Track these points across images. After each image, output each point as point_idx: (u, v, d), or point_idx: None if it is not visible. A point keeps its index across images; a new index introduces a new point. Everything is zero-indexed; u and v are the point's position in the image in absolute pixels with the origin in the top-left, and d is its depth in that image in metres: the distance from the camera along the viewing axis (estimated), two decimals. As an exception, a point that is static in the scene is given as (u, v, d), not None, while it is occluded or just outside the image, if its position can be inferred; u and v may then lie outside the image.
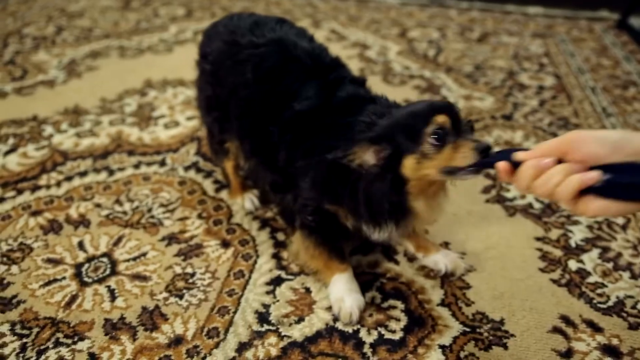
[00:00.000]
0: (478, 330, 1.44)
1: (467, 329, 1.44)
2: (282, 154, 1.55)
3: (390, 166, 1.30)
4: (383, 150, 1.30)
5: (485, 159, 1.19)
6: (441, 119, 1.25)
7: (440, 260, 1.62)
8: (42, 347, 1.39)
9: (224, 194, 1.97)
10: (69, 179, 2.05)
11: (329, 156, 1.33)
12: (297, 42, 1.64)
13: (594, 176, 0.91)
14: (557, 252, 1.70)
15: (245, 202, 1.91)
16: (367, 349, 1.39)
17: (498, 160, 1.10)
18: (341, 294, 1.50)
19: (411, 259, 1.67)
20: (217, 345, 1.39)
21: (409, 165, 1.29)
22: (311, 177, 1.49)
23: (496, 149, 1.21)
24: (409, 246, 1.70)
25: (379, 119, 1.36)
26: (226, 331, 1.43)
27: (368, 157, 1.31)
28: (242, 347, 1.39)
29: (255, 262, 1.66)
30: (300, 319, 1.47)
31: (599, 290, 1.56)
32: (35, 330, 1.44)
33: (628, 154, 0.90)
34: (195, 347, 1.39)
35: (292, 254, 1.65)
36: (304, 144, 1.49)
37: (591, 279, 1.60)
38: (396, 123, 1.32)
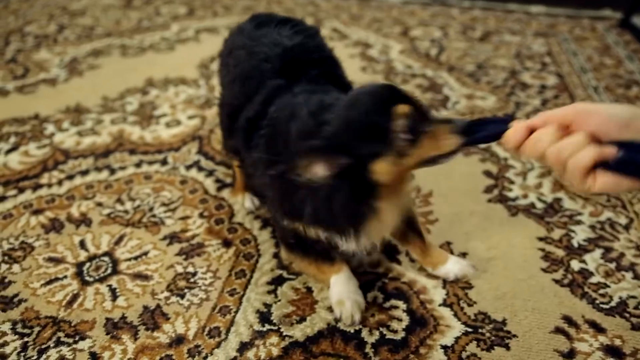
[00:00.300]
0: (480, 330, 1.43)
1: (469, 329, 1.44)
2: (245, 163, 1.50)
3: (348, 175, 1.14)
4: (336, 160, 1.12)
5: (472, 136, 1.10)
6: (403, 108, 1.11)
7: (451, 271, 1.57)
8: (43, 347, 1.39)
9: (225, 193, 1.96)
10: (70, 177, 2.05)
11: (271, 172, 1.23)
12: (280, 43, 1.54)
13: (613, 151, 0.88)
14: (560, 252, 1.69)
15: (245, 201, 1.91)
16: (368, 349, 1.38)
17: (490, 132, 1.07)
18: (341, 296, 1.47)
19: (413, 259, 1.66)
20: (218, 345, 1.39)
21: (381, 169, 1.14)
22: (268, 193, 1.41)
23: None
24: (415, 258, 1.63)
25: (319, 123, 1.18)
26: (227, 331, 1.43)
27: (317, 169, 1.12)
28: (243, 347, 1.39)
29: (257, 261, 1.66)
30: (302, 319, 1.47)
31: (601, 291, 1.55)
32: (37, 329, 1.44)
33: (638, 130, 0.88)
34: (197, 346, 1.39)
35: (286, 262, 1.64)
36: (250, 156, 1.42)
37: (594, 279, 1.59)
38: (347, 126, 1.14)
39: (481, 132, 1.10)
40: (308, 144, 1.15)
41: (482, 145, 2.22)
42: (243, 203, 1.91)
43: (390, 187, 1.20)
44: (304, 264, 1.55)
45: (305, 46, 1.58)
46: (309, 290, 1.56)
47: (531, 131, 0.98)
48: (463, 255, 1.68)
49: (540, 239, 1.75)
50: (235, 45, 1.67)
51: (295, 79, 1.44)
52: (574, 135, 0.92)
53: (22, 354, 1.37)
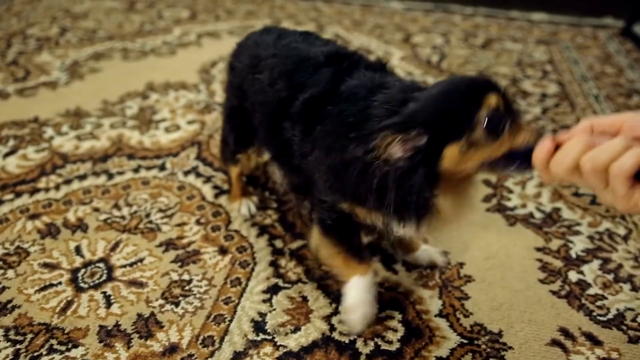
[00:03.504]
0: (476, 342, 1.42)
1: (465, 341, 1.43)
2: (294, 148, 1.45)
3: (423, 158, 1.11)
4: (415, 138, 1.10)
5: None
6: (494, 99, 1.09)
7: (420, 257, 1.67)
8: (35, 354, 1.38)
9: (223, 200, 1.96)
10: (68, 182, 2.05)
11: (346, 155, 1.18)
12: (312, 47, 1.56)
13: None
14: (557, 263, 1.68)
15: (242, 207, 1.91)
16: (363, 360, 1.37)
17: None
18: (355, 302, 1.42)
19: (410, 268, 1.66)
20: (212, 354, 1.38)
21: (451, 155, 1.11)
22: (324, 173, 1.35)
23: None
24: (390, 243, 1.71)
25: (402, 104, 1.17)
26: (221, 340, 1.42)
27: (394, 149, 1.11)
28: (237, 357, 1.38)
29: (253, 269, 1.65)
30: (297, 329, 1.46)
31: (599, 303, 1.54)
32: (29, 336, 1.43)
33: None
34: (190, 355, 1.38)
35: (313, 248, 1.56)
36: (312, 134, 1.36)
37: (591, 291, 1.58)
38: (433, 106, 1.13)
39: None
40: (390, 121, 1.13)
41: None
42: (239, 209, 1.90)
43: (455, 180, 1.19)
44: (333, 252, 1.47)
45: (339, 48, 1.58)
46: (305, 299, 1.55)
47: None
48: (460, 265, 1.67)
49: (538, 250, 1.74)
50: (262, 57, 1.62)
51: (350, 66, 1.42)
52: (612, 140, 0.78)
53: (14, 361, 1.37)
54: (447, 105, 1.13)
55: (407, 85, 1.29)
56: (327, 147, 1.29)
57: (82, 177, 2.07)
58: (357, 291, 1.43)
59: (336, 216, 1.40)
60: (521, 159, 1.08)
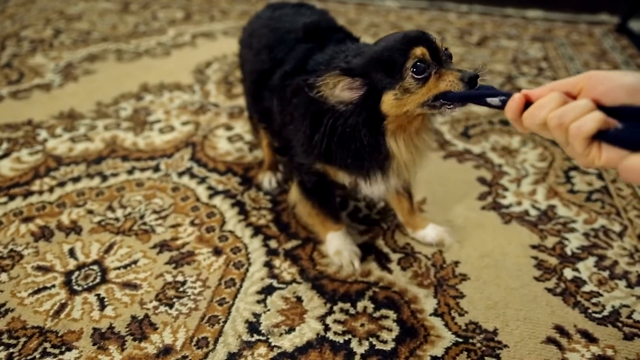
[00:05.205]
0: (471, 340, 1.42)
1: (460, 340, 1.42)
2: (275, 118, 1.62)
3: (365, 103, 1.29)
4: (358, 85, 1.28)
5: (475, 89, 1.16)
6: (420, 51, 1.23)
7: (428, 234, 1.75)
8: (29, 358, 1.37)
9: (217, 201, 1.95)
10: (61, 184, 2.04)
11: (298, 81, 1.34)
12: (298, 18, 1.70)
13: (614, 122, 0.80)
14: (553, 261, 1.68)
15: (264, 180, 2.02)
16: (357, 360, 1.37)
17: (488, 95, 1.05)
18: (338, 248, 1.66)
19: (404, 267, 1.66)
20: (206, 356, 1.37)
21: (388, 101, 1.27)
22: (300, 138, 1.49)
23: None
24: (400, 219, 1.81)
25: (352, 57, 1.34)
26: (215, 341, 1.41)
27: (342, 93, 1.28)
28: (231, 358, 1.37)
29: (247, 270, 1.65)
30: (291, 329, 1.45)
31: (594, 300, 1.54)
32: (23, 339, 1.42)
33: None
34: (184, 357, 1.37)
35: (291, 204, 1.77)
36: (289, 106, 1.51)
37: (586, 288, 1.58)
38: (371, 58, 1.29)
39: (485, 91, 1.10)
40: (336, 65, 1.32)
41: (477, 151, 2.21)
42: (262, 181, 2.01)
43: (398, 124, 1.33)
44: (311, 212, 1.68)
45: (321, 20, 1.76)
46: (299, 299, 1.55)
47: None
48: (455, 263, 1.67)
49: (534, 247, 1.73)
50: (256, 27, 1.80)
51: (323, 43, 1.57)
52: (577, 100, 0.85)
53: (8, 365, 1.36)
54: (383, 57, 1.27)
55: (360, 45, 1.48)
56: (300, 116, 1.46)
57: (76, 180, 2.07)
58: (337, 240, 1.68)
59: (315, 179, 1.59)
60: (454, 100, 1.21)
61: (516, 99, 0.93)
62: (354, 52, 1.38)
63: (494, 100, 1.03)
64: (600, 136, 0.81)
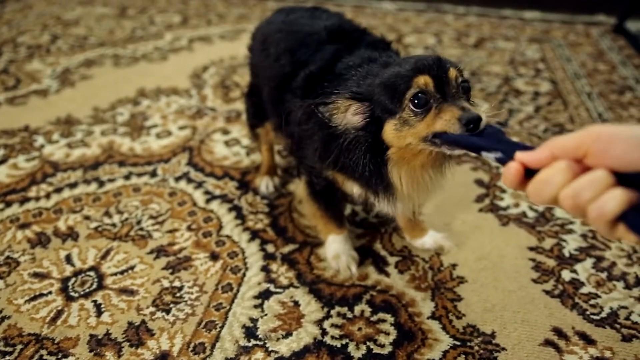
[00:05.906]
0: (468, 344, 1.42)
1: (458, 343, 1.42)
2: (292, 117, 1.52)
3: (370, 130, 1.22)
4: (365, 109, 1.21)
5: (473, 134, 1.02)
6: (423, 80, 1.13)
7: (427, 242, 1.74)
8: (25, 365, 1.37)
9: (214, 205, 1.95)
10: (58, 190, 2.03)
11: (307, 102, 1.26)
12: (316, 21, 1.66)
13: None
14: (551, 262, 1.67)
15: (261, 184, 2.02)
16: (355, 364, 1.37)
17: (485, 148, 0.92)
18: (337, 252, 1.66)
19: (402, 270, 1.65)
20: (202, 362, 1.37)
21: (389, 131, 1.19)
22: (315, 142, 1.43)
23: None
24: (400, 226, 1.80)
25: (367, 78, 1.27)
26: (212, 346, 1.41)
27: (351, 116, 1.23)
28: (228, 363, 1.37)
29: (244, 275, 1.64)
30: (288, 334, 1.45)
31: (592, 301, 1.54)
32: (19, 347, 1.41)
33: None
34: (181, 363, 1.37)
35: (297, 200, 1.79)
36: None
37: (584, 290, 1.58)
38: (379, 83, 1.21)
39: (482, 142, 0.97)
40: (350, 89, 1.26)
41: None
42: (259, 186, 2.01)
43: (401, 156, 1.23)
44: (316, 213, 1.66)
45: (342, 22, 1.68)
46: (296, 304, 1.54)
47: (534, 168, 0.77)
48: (453, 266, 1.66)
49: (531, 249, 1.73)
50: (269, 33, 1.74)
51: (351, 45, 1.51)
52: (592, 172, 0.70)
53: (4, 372, 1.36)
54: (389, 83, 1.19)
55: (387, 61, 1.33)
56: (318, 120, 1.34)
57: (73, 185, 2.06)
58: (337, 243, 1.68)
59: (324, 183, 1.54)
60: (449, 143, 1.08)
61: (512, 170, 0.79)
62: (376, 69, 1.29)
63: (490, 157, 0.90)
64: (626, 220, 0.68)
